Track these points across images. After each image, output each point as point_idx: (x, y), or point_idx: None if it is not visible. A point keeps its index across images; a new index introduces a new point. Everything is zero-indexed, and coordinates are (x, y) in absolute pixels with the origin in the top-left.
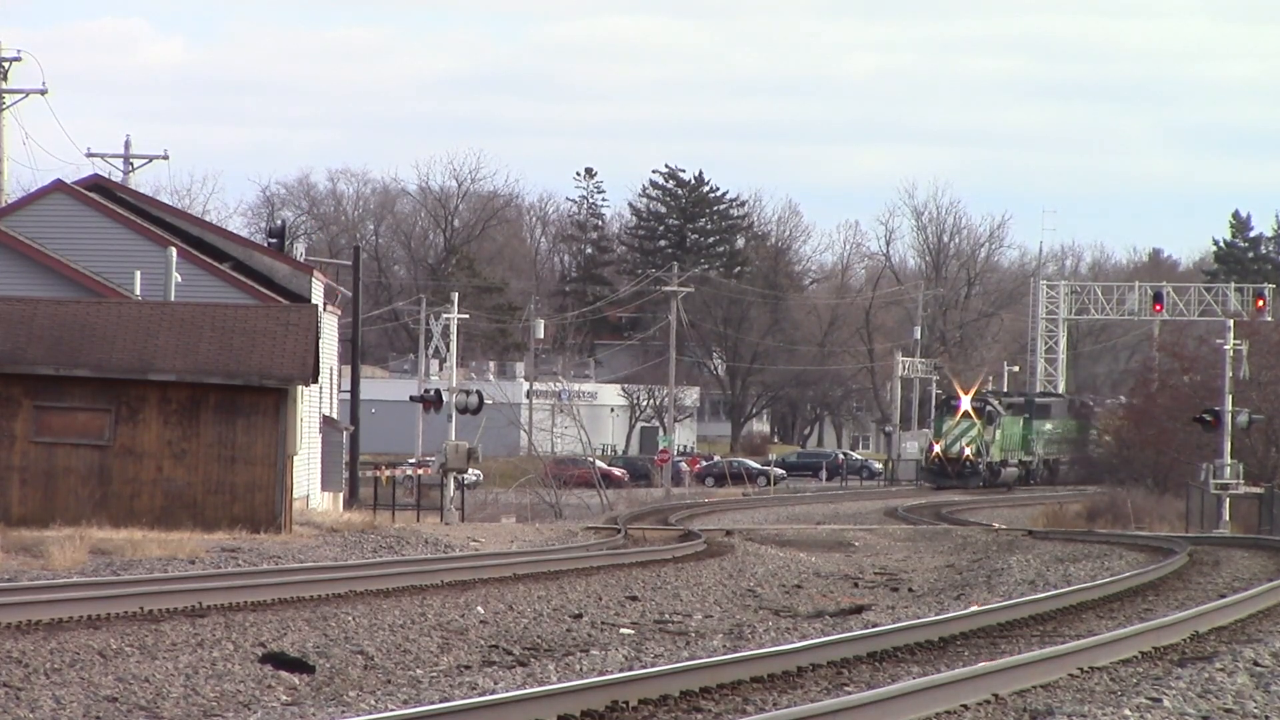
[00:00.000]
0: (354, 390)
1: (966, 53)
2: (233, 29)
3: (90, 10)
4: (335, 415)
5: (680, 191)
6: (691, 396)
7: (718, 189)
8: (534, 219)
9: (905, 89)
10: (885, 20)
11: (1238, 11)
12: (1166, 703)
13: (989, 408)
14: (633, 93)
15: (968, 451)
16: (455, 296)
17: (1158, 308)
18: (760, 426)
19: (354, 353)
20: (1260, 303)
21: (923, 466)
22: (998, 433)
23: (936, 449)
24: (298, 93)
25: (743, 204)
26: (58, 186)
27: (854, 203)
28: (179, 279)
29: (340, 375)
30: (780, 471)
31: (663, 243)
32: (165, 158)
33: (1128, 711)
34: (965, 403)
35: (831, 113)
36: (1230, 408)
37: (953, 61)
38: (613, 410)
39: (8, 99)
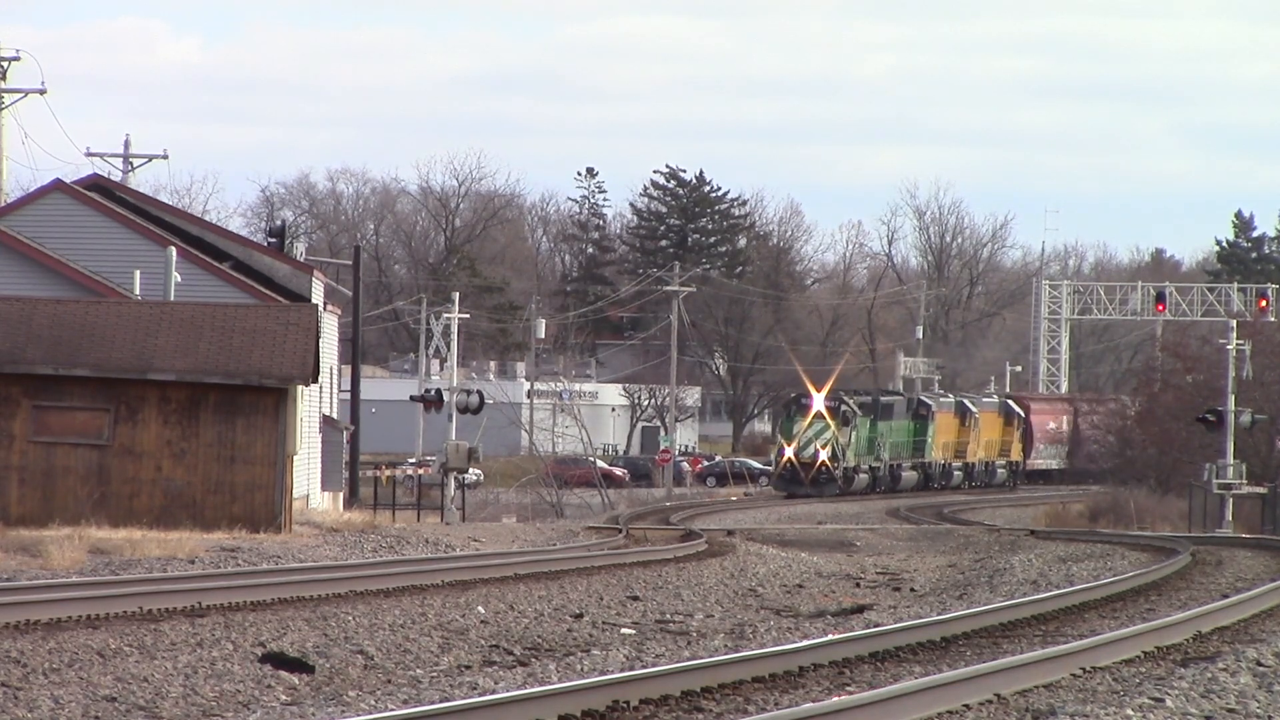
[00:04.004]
0: (354, 390)
1: (976, 53)
2: (246, 30)
3: (108, 9)
4: (335, 415)
5: (681, 191)
6: (693, 396)
7: (719, 189)
8: (535, 219)
9: (915, 90)
10: (898, 21)
11: (1249, 12)
12: (1169, 703)
13: (844, 408)
14: (635, 93)
15: (823, 456)
16: (456, 296)
17: (1160, 308)
18: (762, 426)
19: (354, 352)
20: (1263, 303)
21: (773, 472)
22: (853, 435)
23: (788, 453)
24: (304, 93)
25: (744, 204)
26: (57, 186)
27: (856, 202)
28: (179, 279)
29: (340, 375)
30: None
31: (664, 242)
32: (165, 157)
33: (1130, 711)
34: (818, 402)
35: (838, 113)
36: (1233, 408)
37: (962, 62)
38: (614, 410)
39: (7, 99)
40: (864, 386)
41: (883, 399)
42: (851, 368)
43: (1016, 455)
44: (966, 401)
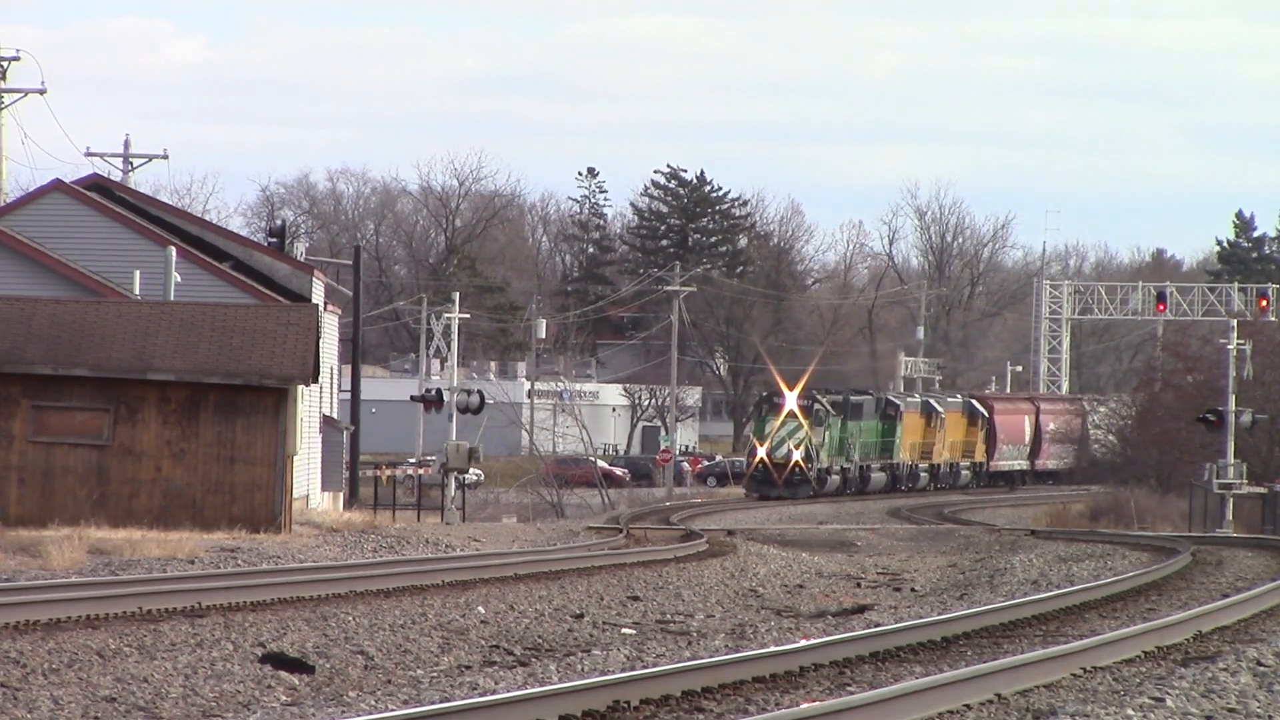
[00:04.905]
0: (354, 390)
1: (977, 53)
2: (250, 30)
3: (111, 9)
4: (335, 415)
5: (682, 191)
6: (693, 396)
7: (720, 188)
8: (535, 218)
9: (916, 89)
10: (900, 21)
11: (1251, 12)
12: (1169, 702)
13: (817, 407)
14: (636, 93)
15: (797, 456)
16: (456, 296)
17: (1161, 308)
18: None
19: (354, 352)
20: (1264, 303)
21: (744, 473)
22: (826, 435)
23: (761, 453)
24: (305, 92)
25: (745, 204)
26: (57, 186)
27: (857, 202)
28: (178, 279)
29: (340, 375)
30: None
31: (665, 242)
32: (165, 157)
33: (1131, 711)
34: (791, 400)
35: (839, 113)
36: (1234, 408)
37: (964, 62)
38: (614, 410)
39: (7, 99)
40: (833, 385)
41: (852, 398)
42: (852, 367)
43: (980, 456)
44: (932, 401)
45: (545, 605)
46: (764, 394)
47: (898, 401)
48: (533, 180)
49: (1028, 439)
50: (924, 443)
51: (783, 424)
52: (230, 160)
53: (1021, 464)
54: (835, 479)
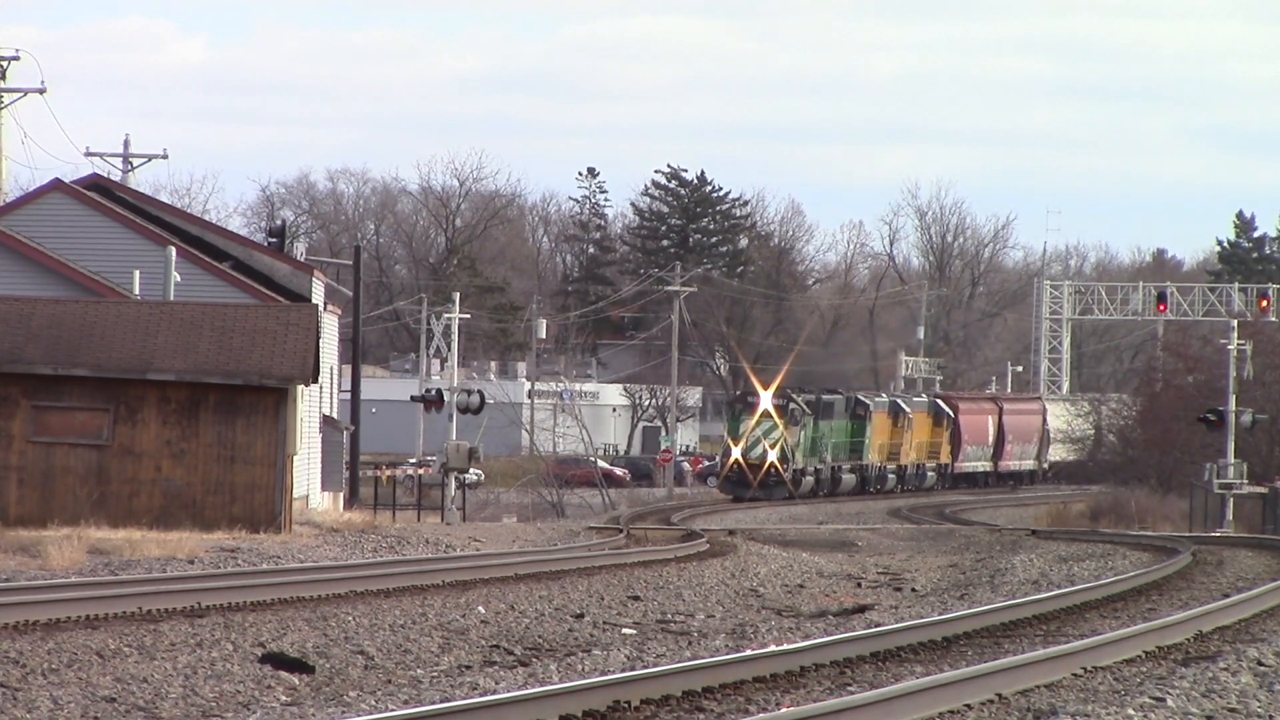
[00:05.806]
0: (354, 390)
1: (978, 53)
2: (252, 30)
3: (114, 9)
4: (335, 415)
5: (682, 191)
6: (694, 396)
7: (720, 189)
8: (536, 219)
9: (917, 90)
10: (901, 22)
11: (1251, 13)
12: (1170, 702)
13: (793, 406)
14: (636, 93)
15: (772, 457)
16: (457, 296)
17: (1161, 308)
18: None
19: (354, 352)
20: (1264, 303)
21: (717, 474)
22: (802, 435)
23: (735, 453)
24: (305, 92)
25: (745, 204)
26: (56, 186)
27: (857, 202)
28: (178, 278)
29: (340, 375)
30: None
31: (665, 242)
32: (164, 157)
33: (1131, 711)
34: (765, 400)
35: (840, 114)
36: (1234, 408)
37: (964, 62)
38: (615, 410)
39: (7, 98)
40: (807, 384)
41: (824, 397)
42: (852, 367)
43: (945, 458)
44: (900, 401)
45: (546, 605)
46: (738, 392)
47: (867, 401)
48: (533, 180)
49: (991, 440)
50: (891, 443)
51: (758, 423)
52: (230, 160)
53: (985, 465)
54: (810, 480)
